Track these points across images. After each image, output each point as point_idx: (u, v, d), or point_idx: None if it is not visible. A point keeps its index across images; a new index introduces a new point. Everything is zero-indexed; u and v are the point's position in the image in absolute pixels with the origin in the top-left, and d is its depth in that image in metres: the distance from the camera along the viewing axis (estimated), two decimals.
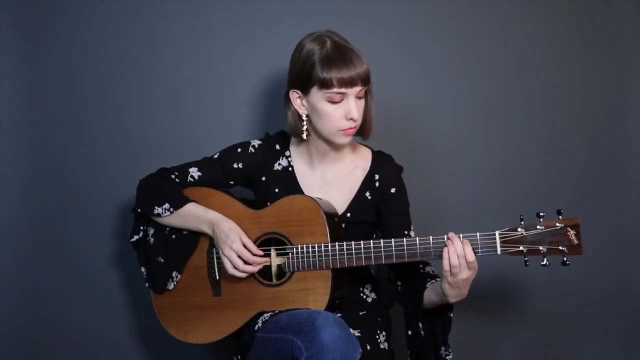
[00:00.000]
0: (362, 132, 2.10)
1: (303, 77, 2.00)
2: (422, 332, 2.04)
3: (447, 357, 2.03)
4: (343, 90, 1.97)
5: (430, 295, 2.00)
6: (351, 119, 1.99)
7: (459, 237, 1.89)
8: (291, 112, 2.08)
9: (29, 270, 2.56)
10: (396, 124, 2.53)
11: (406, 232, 2.12)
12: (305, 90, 2.02)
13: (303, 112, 2.06)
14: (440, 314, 2.02)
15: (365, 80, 1.99)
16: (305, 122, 2.06)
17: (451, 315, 2.01)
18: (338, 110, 2.00)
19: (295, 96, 2.05)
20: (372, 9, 2.55)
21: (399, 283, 2.12)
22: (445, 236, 1.90)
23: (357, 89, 1.99)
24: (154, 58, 2.54)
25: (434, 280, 2.03)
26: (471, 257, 1.86)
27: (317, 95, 2.00)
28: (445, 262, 1.87)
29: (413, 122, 2.58)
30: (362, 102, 2.04)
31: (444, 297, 1.92)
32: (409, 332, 2.09)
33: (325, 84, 1.97)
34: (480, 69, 2.59)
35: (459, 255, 1.86)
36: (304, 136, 2.07)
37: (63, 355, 2.57)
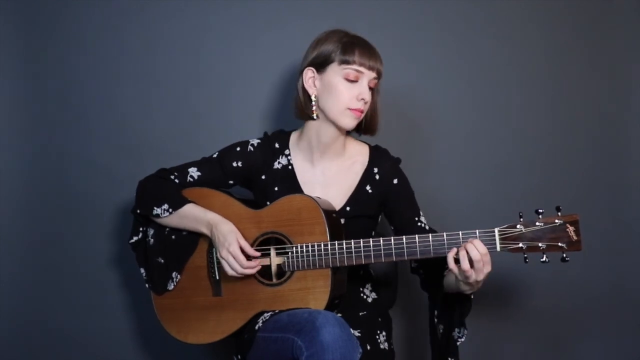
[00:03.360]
0: (370, 129, 2.15)
1: (324, 55, 2.05)
2: (442, 325, 2.04)
3: (460, 339, 2.02)
4: (362, 69, 2.02)
5: (449, 282, 2.00)
6: (362, 99, 2.03)
7: (454, 236, 1.89)
8: (302, 92, 2.10)
9: (29, 270, 2.56)
10: (396, 123, 2.53)
11: (416, 219, 2.13)
12: (322, 68, 2.06)
13: (313, 92, 2.08)
14: (459, 298, 2.01)
15: (379, 72, 2.06)
16: (314, 103, 2.08)
17: (472, 296, 2.00)
18: (351, 90, 2.03)
19: (308, 75, 2.08)
20: (372, 9, 2.56)
21: (421, 271, 2.12)
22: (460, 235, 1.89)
23: (373, 75, 2.04)
24: (154, 58, 2.54)
25: None
26: (483, 249, 1.85)
27: (334, 71, 2.04)
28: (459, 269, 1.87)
29: (413, 121, 2.58)
30: (371, 93, 2.08)
31: (460, 290, 1.94)
32: (435, 320, 2.07)
33: (346, 60, 2.02)
34: (480, 69, 2.60)
35: (475, 260, 1.84)
36: (314, 116, 2.08)
37: (63, 355, 2.57)
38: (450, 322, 2.03)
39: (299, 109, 2.12)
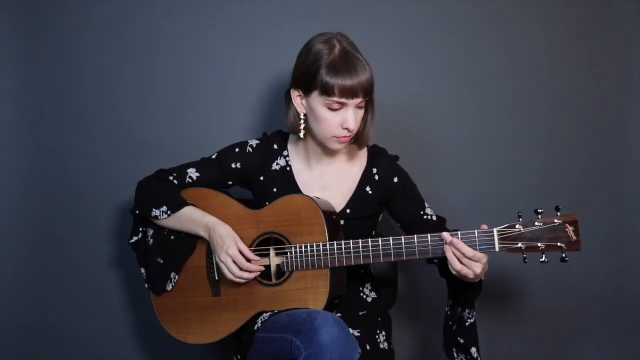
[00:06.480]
0: (358, 142, 2.10)
1: (307, 78, 2.00)
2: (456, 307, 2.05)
3: (469, 320, 2.03)
4: (344, 100, 1.97)
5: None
6: (347, 128, 2.00)
7: (453, 236, 1.89)
8: (291, 110, 2.08)
9: (29, 270, 2.57)
10: (396, 124, 2.53)
11: (422, 213, 2.12)
12: (306, 92, 2.02)
13: (302, 111, 2.06)
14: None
15: (367, 91, 1.99)
16: (302, 121, 2.07)
17: (482, 278, 1.99)
18: (336, 118, 2.00)
19: (296, 94, 2.06)
20: (372, 9, 2.56)
21: (436, 260, 2.10)
22: (444, 241, 1.90)
23: (358, 100, 1.98)
24: (154, 58, 2.55)
25: None
26: (469, 253, 1.86)
27: (317, 100, 2.00)
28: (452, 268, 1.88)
29: (413, 122, 2.58)
30: (361, 112, 2.04)
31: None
32: (450, 302, 2.08)
33: (327, 91, 1.96)
34: (480, 69, 2.59)
35: (459, 258, 1.86)
36: (302, 135, 2.07)
37: (63, 355, 2.57)
38: (463, 303, 2.03)
39: (291, 125, 2.10)
